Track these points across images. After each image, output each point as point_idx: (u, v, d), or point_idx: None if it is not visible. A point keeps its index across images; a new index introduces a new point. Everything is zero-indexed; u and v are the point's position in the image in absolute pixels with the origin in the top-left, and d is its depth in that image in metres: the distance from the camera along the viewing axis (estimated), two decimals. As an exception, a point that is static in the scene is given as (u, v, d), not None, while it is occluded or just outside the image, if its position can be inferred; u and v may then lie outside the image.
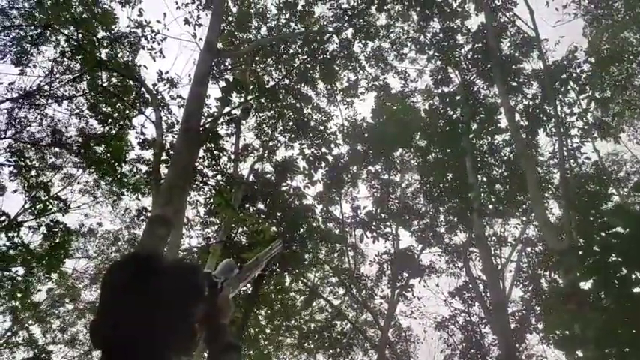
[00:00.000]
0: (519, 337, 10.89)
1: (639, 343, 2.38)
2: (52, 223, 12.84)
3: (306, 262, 14.17)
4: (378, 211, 13.45)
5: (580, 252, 2.95)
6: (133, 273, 1.10)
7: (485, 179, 12.18)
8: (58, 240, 12.64)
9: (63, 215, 13.20)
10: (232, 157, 13.54)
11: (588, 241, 2.59)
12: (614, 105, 14.79)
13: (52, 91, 12.57)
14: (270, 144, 15.05)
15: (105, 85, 12.00)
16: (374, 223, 12.82)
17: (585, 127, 12.49)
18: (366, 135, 13.78)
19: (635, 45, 14.08)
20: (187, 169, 6.21)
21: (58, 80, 12.41)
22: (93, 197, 16.22)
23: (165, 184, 5.88)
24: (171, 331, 1.07)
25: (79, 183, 15.64)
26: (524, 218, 13.53)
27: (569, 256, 2.96)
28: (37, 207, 13.22)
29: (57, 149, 13.73)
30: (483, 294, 10.93)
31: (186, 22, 12.20)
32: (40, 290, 15.38)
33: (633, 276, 2.57)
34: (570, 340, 2.40)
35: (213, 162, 14.09)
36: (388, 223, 13.56)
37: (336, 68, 14.00)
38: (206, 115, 11.13)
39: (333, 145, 13.64)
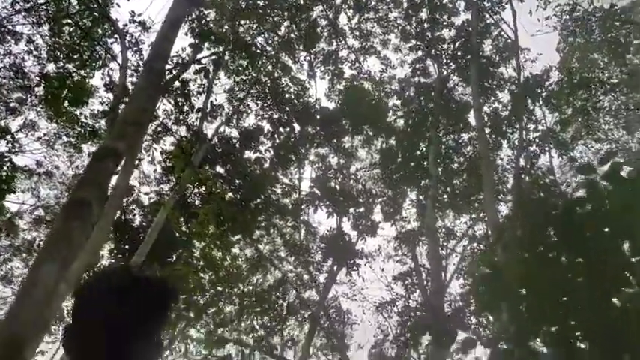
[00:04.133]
0: (453, 327, 11.28)
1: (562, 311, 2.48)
2: (-5, 157, 12.27)
3: (257, 232, 14.18)
4: (318, 192, 13.59)
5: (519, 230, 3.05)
6: (109, 285, 1.18)
7: (444, 174, 12.47)
8: (2, 174, 12.10)
9: (12, 153, 12.67)
10: (199, 114, 13.29)
11: (528, 216, 2.67)
12: (573, 126, 15.39)
13: (10, 26, 11.94)
14: (241, 109, 14.82)
15: (71, 16, 11.38)
16: (326, 201, 12.94)
17: (544, 143, 13.00)
18: (317, 117, 13.83)
19: (601, 67, 14.64)
20: (146, 109, 5.98)
21: (17, 13, 11.76)
22: (51, 147, 15.62)
23: (120, 119, 5.64)
24: (142, 340, 1.13)
25: (37, 130, 15.01)
26: (474, 216, 13.98)
27: (507, 231, 3.05)
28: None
29: (19, 94, 13.15)
30: (425, 282, 11.27)
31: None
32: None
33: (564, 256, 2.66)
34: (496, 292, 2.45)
35: (180, 115, 13.79)
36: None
37: (318, 34, 13.83)
38: (176, 61, 10.83)
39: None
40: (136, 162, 12.37)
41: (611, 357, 2.49)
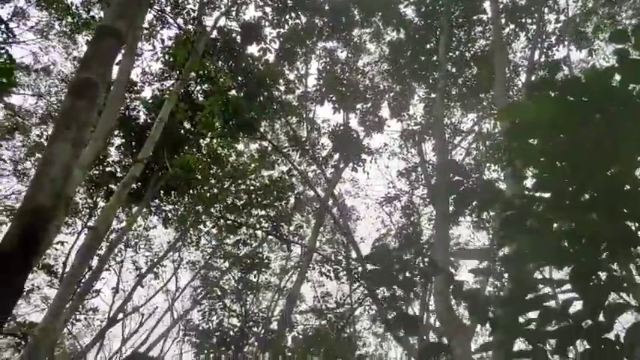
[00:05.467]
0: (454, 220, 11.71)
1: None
2: (-8, 46, 11.89)
3: (262, 128, 14.17)
4: (324, 89, 13.28)
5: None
6: None
7: (455, 67, 12.07)
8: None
9: (7, 43, 12.26)
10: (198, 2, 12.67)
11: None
12: (594, 17, 14.54)
13: None
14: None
15: None
16: (332, 96, 12.71)
17: (563, 35, 12.35)
18: (326, 7, 13.04)
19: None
20: (144, -13, 5.62)
21: None
22: (44, 37, 15.04)
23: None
24: None
25: (29, 19, 14.33)
26: (481, 113, 13.79)
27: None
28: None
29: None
30: (431, 176, 11.43)
31: None
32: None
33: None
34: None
35: (177, 7, 13.09)
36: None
37: None
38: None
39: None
40: (137, 52, 11.99)
41: (620, 227, 2.53)
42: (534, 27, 12.00)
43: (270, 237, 14.25)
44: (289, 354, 13.66)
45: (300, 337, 14.77)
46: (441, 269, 3.59)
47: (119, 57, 6.68)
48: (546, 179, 2.44)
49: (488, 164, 11.32)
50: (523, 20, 12.24)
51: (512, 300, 2.40)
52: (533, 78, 10.71)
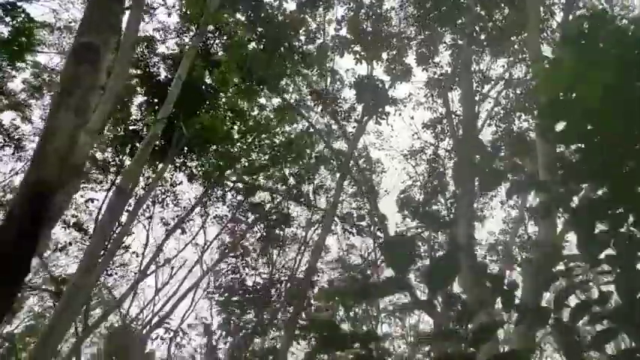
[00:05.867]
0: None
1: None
2: (9, 6, 11.78)
3: (283, 81, 13.84)
4: (349, 36, 12.60)
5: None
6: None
7: (483, 9, 11.24)
8: (18, 25, 11.74)
9: (25, 1, 12.11)
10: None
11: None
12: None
13: None
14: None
15: None
16: (353, 46, 12.14)
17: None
18: None
19: None
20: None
21: None
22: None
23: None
24: None
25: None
26: (512, 58, 12.95)
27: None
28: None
29: None
30: (456, 128, 10.99)
31: None
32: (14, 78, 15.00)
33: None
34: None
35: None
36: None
37: None
38: None
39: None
40: (151, 6, 11.68)
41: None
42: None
43: (293, 192, 14.20)
44: (315, 303, 14.01)
45: (326, 287, 15.05)
46: (464, 251, 3.34)
47: (126, 14, 6.44)
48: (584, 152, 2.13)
49: (518, 114, 10.75)
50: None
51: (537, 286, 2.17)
52: (570, 18, 9.90)
